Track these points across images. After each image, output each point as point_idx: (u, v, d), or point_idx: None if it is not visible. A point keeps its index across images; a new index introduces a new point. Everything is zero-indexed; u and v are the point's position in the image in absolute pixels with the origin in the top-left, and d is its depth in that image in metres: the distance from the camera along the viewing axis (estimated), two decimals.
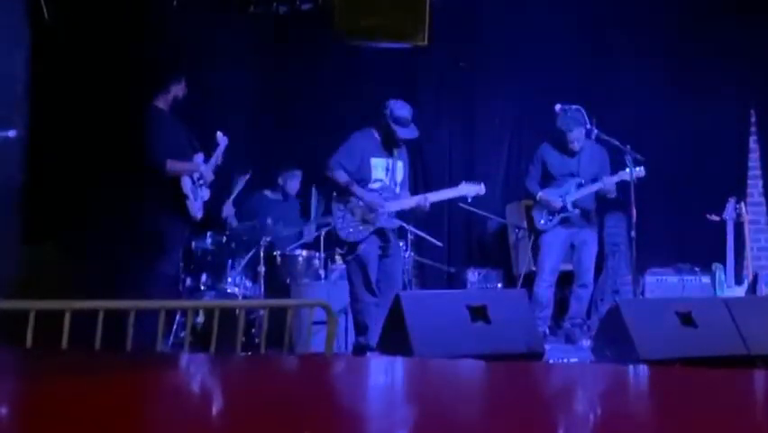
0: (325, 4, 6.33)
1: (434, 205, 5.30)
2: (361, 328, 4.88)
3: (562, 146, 5.77)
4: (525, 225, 6.41)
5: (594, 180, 5.71)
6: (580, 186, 5.71)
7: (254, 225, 5.80)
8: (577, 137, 5.65)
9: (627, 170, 5.48)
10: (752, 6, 6.39)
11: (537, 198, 5.78)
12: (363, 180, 4.98)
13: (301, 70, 7.02)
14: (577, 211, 5.70)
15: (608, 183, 5.65)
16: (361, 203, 4.94)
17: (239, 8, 6.72)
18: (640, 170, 5.51)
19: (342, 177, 4.93)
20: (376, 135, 5.06)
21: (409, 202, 5.15)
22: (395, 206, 5.08)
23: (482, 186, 5.24)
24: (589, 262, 5.80)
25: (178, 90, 4.90)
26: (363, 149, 4.99)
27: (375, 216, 4.96)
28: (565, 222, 5.72)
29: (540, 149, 5.94)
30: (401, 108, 4.98)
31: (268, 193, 6.45)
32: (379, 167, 5.03)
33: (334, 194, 5.01)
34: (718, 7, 6.54)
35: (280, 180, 6.47)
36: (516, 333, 4.22)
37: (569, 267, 5.90)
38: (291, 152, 6.83)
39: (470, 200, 5.35)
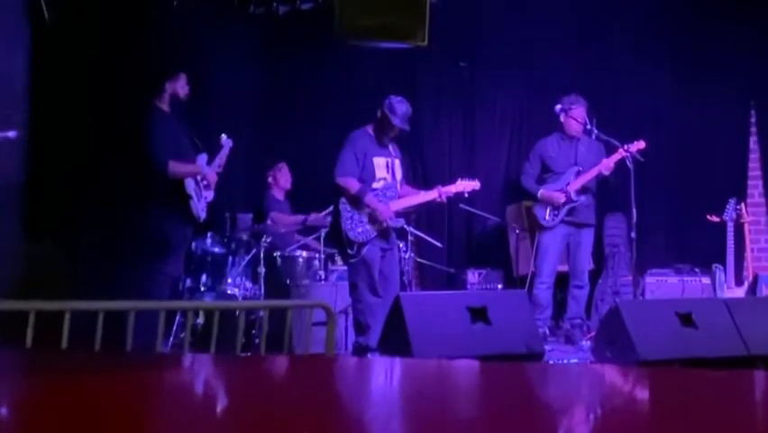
0: (326, 4, 6.33)
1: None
2: (361, 329, 4.88)
3: (560, 138, 5.84)
4: (525, 226, 6.41)
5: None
6: (579, 173, 5.73)
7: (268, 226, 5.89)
8: (578, 113, 5.70)
9: (626, 146, 5.51)
10: (752, 5, 6.39)
11: (539, 195, 5.79)
12: (368, 179, 5.01)
13: (301, 70, 7.02)
14: (582, 198, 5.70)
15: (607, 164, 5.65)
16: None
17: (239, 8, 6.72)
18: (639, 143, 5.53)
19: (353, 185, 4.94)
20: (371, 133, 5.09)
21: (424, 197, 5.26)
22: (403, 203, 5.16)
23: (477, 182, 5.41)
24: (584, 264, 5.82)
25: (175, 87, 4.83)
26: (365, 148, 5.02)
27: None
28: (571, 213, 5.71)
29: (537, 145, 5.97)
30: (401, 102, 5.05)
31: (273, 192, 6.46)
32: (380, 165, 5.07)
33: (342, 196, 5.00)
34: (718, 7, 6.54)
35: (270, 179, 6.47)
36: (516, 334, 4.22)
37: (565, 268, 5.91)
38: (291, 151, 6.83)
39: (466, 195, 5.44)
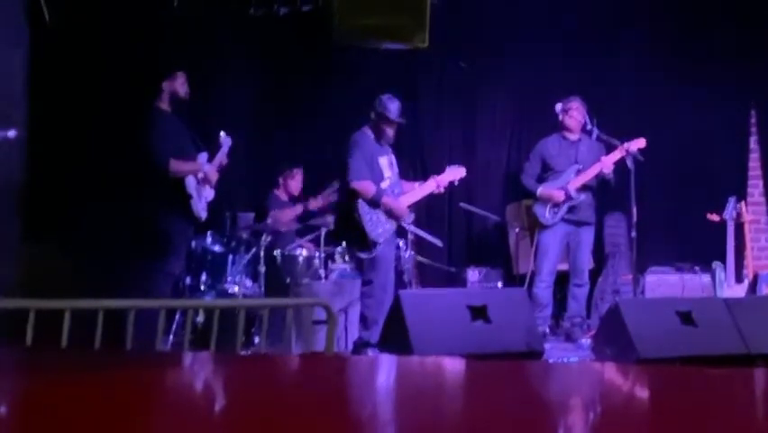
0: (326, 5, 6.32)
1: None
2: (368, 323, 4.94)
3: (561, 137, 5.84)
4: (525, 225, 6.41)
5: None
6: (579, 172, 5.73)
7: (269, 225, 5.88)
8: (578, 112, 5.71)
9: (626, 144, 5.51)
10: (752, 6, 6.39)
11: (537, 193, 5.79)
12: (376, 179, 5.07)
13: (301, 71, 7.02)
14: (582, 197, 5.68)
15: (607, 162, 5.65)
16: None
17: (239, 9, 6.72)
18: (639, 141, 5.53)
19: (370, 188, 5.00)
20: (370, 133, 5.12)
21: (423, 189, 5.32)
22: (409, 198, 5.23)
23: (463, 168, 5.48)
24: (584, 263, 5.82)
25: (174, 86, 4.81)
26: (371, 150, 5.07)
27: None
28: (572, 211, 5.70)
29: (538, 145, 5.98)
30: (390, 99, 5.15)
31: (277, 193, 6.46)
32: (384, 164, 5.14)
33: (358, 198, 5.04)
34: (719, 7, 6.54)
35: (281, 181, 6.47)
36: (516, 332, 4.22)
37: (566, 267, 5.91)
38: (291, 152, 6.84)
39: (456, 183, 5.49)
